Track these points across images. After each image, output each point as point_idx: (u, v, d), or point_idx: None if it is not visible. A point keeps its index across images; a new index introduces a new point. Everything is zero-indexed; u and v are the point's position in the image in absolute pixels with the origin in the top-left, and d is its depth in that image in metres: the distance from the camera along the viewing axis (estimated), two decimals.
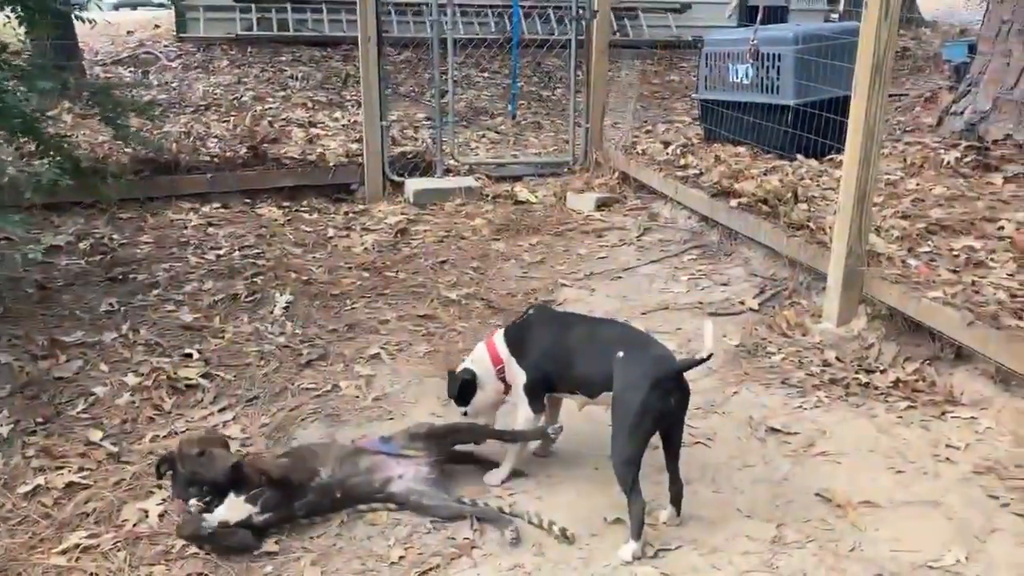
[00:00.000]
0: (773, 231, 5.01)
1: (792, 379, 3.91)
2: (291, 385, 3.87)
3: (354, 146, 7.18)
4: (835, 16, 13.99)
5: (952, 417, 3.55)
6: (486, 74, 10.99)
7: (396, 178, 6.86)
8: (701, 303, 4.79)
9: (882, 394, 3.75)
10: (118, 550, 2.78)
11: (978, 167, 5.86)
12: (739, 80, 6.73)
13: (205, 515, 2.77)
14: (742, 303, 4.74)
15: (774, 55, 6.37)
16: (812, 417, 3.60)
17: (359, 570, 2.71)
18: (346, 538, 2.86)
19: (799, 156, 6.17)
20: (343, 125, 8.17)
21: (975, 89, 6.49)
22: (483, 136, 8.48)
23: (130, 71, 10.33)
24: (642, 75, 11.22)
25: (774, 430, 3.50)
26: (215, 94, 9.31)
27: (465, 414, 3.21)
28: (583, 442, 3.37)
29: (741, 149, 6.61)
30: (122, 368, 3.94)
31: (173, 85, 9.72)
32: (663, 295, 4.96)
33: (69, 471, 3.17)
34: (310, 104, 9.06)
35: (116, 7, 15.38)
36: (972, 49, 7.36)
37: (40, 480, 3.11)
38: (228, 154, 6.84)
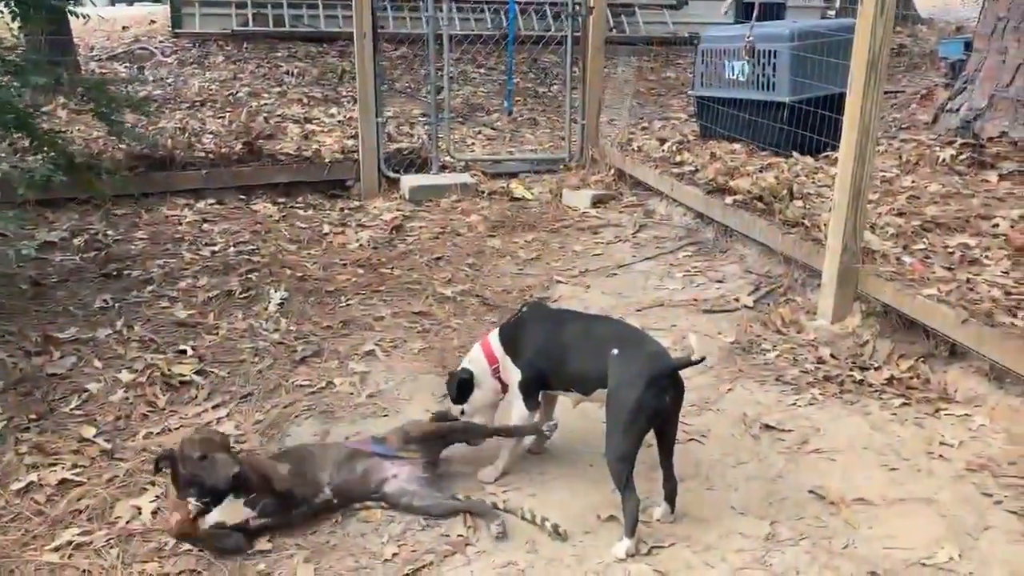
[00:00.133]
0: (768, 228, 5.01)
1: (786, 376, 3.91)
2: (285, 382, 3.86)
3: (350, 142, 7.17)
4: (832, 13, 14.00)
5: (946, 415, 3.55)
6: (482, 70, 10.99)
7: (392, 174, 6.85)
8: (696, 300, 4.79)
9: (876, 391, 3.75)
10: (111, 547, 2.77)
11: (973, 164, 5.86)
12: (735, 77, 6.72)
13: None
14: (737, 300, 4.74)
15: (770, 52, 6.37)
16: (806, 414, 3.61)
17: (352, 567, 2.70)
18: (339, 535, 2.86)
19: (795, 153, 6.16)
20: (339, 121, 8.16)
21: (971, 86, 6.49)
22: (479, 132, 8.47)
23: (125, 67, 10.31)
24: (638, 72, 11.22)
25: (768, 427, 3.50)
26: (210, 90, 9.29)
27: (463, 413, 3.21)
28: (577, 439, 3.37)
29: (737, 146, 6.61)
30: (116, 365, 3.93)
31: (168, 81, 9.70)
32: (658, 292, 4.96)
33: (62, 468, 3.16)
34: (306, 100, 9.05)
35: (112, 2, 15.34)
36: (968, 46, 7.35)
37: (33, 477, 3.10)
38: (223, 150, 6.82)
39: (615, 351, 2.82)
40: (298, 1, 11.84)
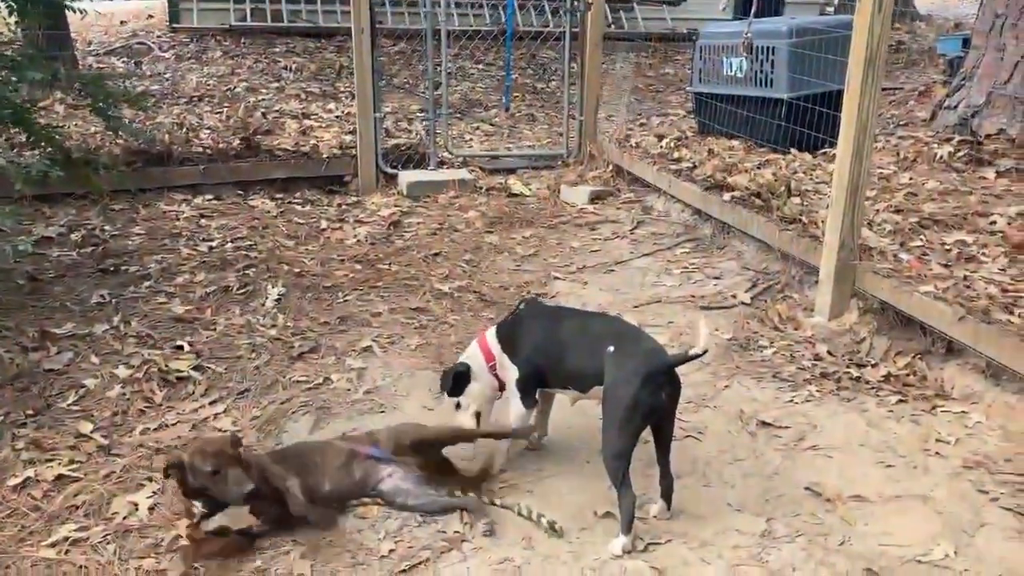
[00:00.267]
0: (766, 225, 5.01)
1: (783, 373, 3.91)
2: (282, 378, 3.86)
3: (347, 138, 7.16)
4: (830, 9, 13.98)
5: (942, 411, 3.56)
6: (480, 66, 10.97)
7: (389, 170, 6.84)
8: (693, 296, 4.79)
9: (873, 388, 3.76)
10: (108, 543, 2.77)
11: (971, 161, 5.87)
12: (733, 73, 6.72)
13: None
14: (734, 297, 4.75)
15: (768, 48, 6.37)
16: (803, 411, 3.61)
17: (349, 564, 2.70)
18: (336, 531, 2.85)
19: (792, 150, 6.16)
20: (336, 117, 8.15)
21: (969, 83, 6.49)
22: (477, 128, 8.47)
23: (123, 62, 10.28)
24: (636, 68, 11.21)
25: (765, 424, 3.50)
26: (208, 85, 9.28)
27: (458, 406, 3.20)
28: (574, 436, 3.38)
29: (735, 143, 6.61)
30: (113, 360, 3.93)
31: (166, 76, 9.68)
32: (656, 288, 4.96)
33: (59, 464, 3.16)
34: (304, 95, 9.04)
35: None
36: (966, 43, 7.35)
37: (30, 472, 3.10)
38: (221, 145, 6.81)
39: (611, 348, 2.82)
40: None
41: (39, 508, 2.94)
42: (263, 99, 8.74)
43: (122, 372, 3.81)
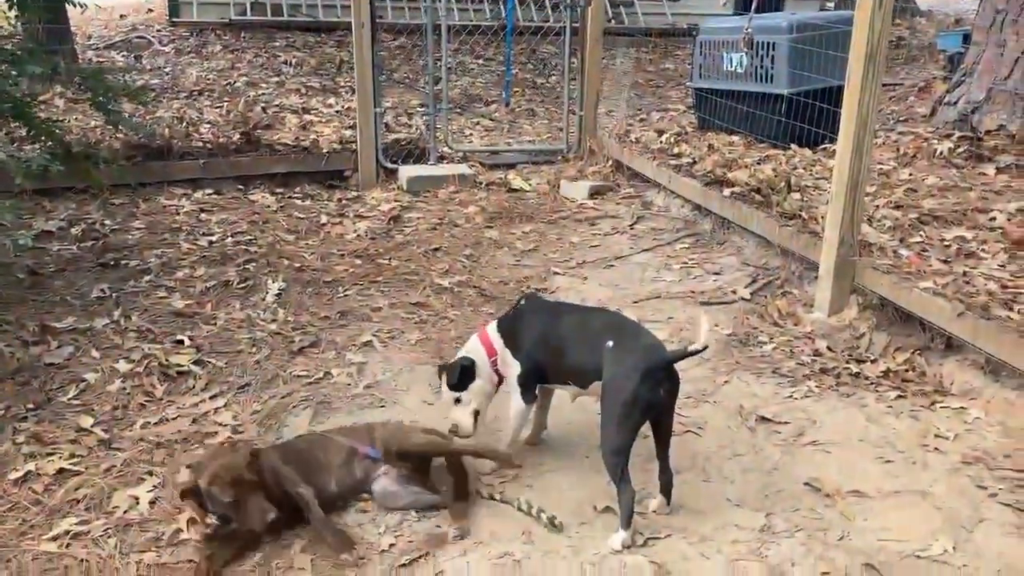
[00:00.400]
0: (766, 220, 5.02)
1: (783, 368, 3.92)
2: (283, 372, 3.87)
3: (347, 132, 7.16)
4: (831, 5, 13.97)
5: (941, 407, 3.57)
6: (480, 61, 10.97)
7: (389, 165, 6.84)
8: (693, 292, 4.80)
9: (872, 384, 3.76)
10: (109, 536, 2.78)
11: (971, 157, 5.87)
12: (733, 69, 6.71)
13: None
14: (734, 292, 4.75)
15: (768, 44, 6.36)
16: (802, 407, 3.62)
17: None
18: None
19: (793, 145, 6.16)
20: (337, 111, 8.15)
21: (969, 79, 6.48)
22: (477, 123, 8.47)
23: (123, 55, 10.27)
24: (637, 63, 11.21)
25: (764, 419, 3.51)
26: (208, 79, 9.26)
27: (458, 400, 3.18)
28: (574, 432, 3.38)
29: (735, 138, 6.61)
30: (113, 354, 3.93)
31: (166, 70, 9.67)
32: (655, 284, 4.96)
33: (60, 457, 3.16)
34: (304, 90, 9.03)
35: None
36: (966, 39, 7.34)
37: (31, 466, 3.10)
38: (221, 140, 6.81)
39: (610, 343, 2.82)
40: None
41: (40, 502, 2.94)
42: (263, 93, 8.74)
43: (122, 366, 3.81)
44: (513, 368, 3.12)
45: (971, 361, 3.74)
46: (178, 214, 5.93)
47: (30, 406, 3.49)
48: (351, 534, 2.78)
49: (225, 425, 3.42)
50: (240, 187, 6.52)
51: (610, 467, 2.72)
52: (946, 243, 4.41)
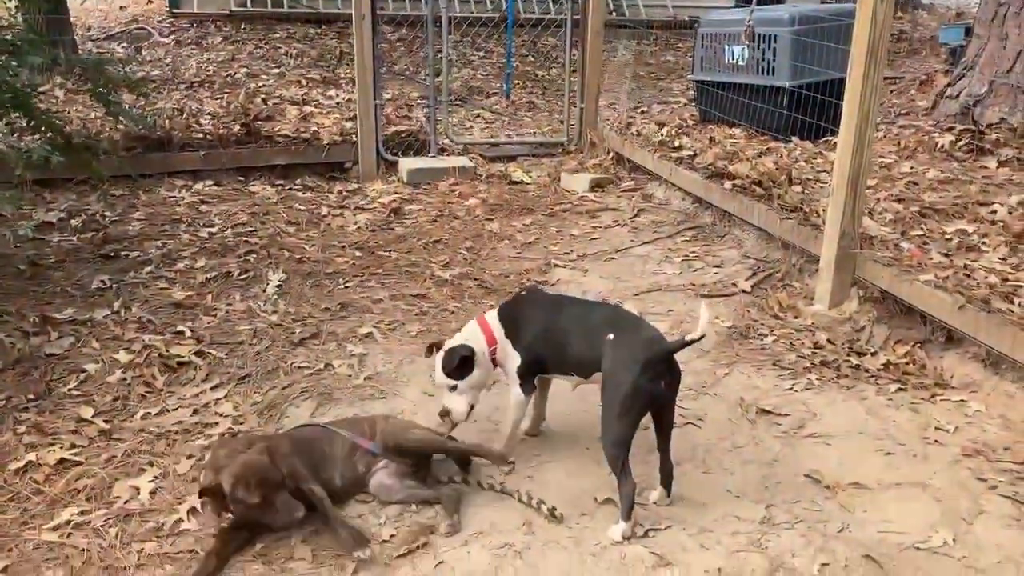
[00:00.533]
0: (767, 213, 5.01)
1: (783, 361, 3.92)
2: (283, 363, 3.87)
3: (348, 124, 7.14)
4: None
5: (942, 400, 3.57)
6: (481, 53, 10.94)
7: (390, 157, 6.83)
8: (694, 285, 4.80)
9: (872, 377, 3.76)
10: (110, 526, 2.78)
11: (972, 151, 5.87)
12: (735, 61, 6.70)
13: None
14: (735, 285, 4.75)
15: (770, 36, 6.35)
16: (803, 399, 3.62)
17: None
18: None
19: (794, 138, 6.16)
20: (337, 103, 8.12)
21: (971, 72, 6.48)
22: (478, 116, 8.45)
23: (123, 47, 10.25)
24: (638, 55, 11.18)
25: (765, 412, 3.51)
26: (208, 71, 9.25)
27: (453, 388, 3.13)
28: (573, 423, 3.39)
29: (736, 131, 6.60)
30: (113, 345, 3.93)
31: (166, 62, 9.65)
32: (656, 276, 4.96)
33: (60, 448, 3.17)
34: (304, 82, 9.01)
35: None
36: (968, 32, 7.34)
37: (31, 456, 3.10)
38: (221, 131, 6.79)
39: (611, 336, 2.82)
40: None
41: (41, 492, 2.95)
42: (264, 85, 8.72)
43: (123, 357, 3.81)
44: (513, 359, 3.11)
45: (972, 354, 3.74)
46: (178, 205, 5.92)
47: (31, 396, 3.49)
48: (362, 533, 2.74)
49: (226, 416, 3.42)
50: (240, 179, 6.51)
51: (611, 458, 2.73)
52: (947, 236, 4.41)
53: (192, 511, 2.85)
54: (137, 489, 2.96)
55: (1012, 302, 3.67)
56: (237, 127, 6.85)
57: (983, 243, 4.31)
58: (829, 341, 4.05)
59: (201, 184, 6.33)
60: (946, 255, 4.18)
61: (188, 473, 3.06)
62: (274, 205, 6.05)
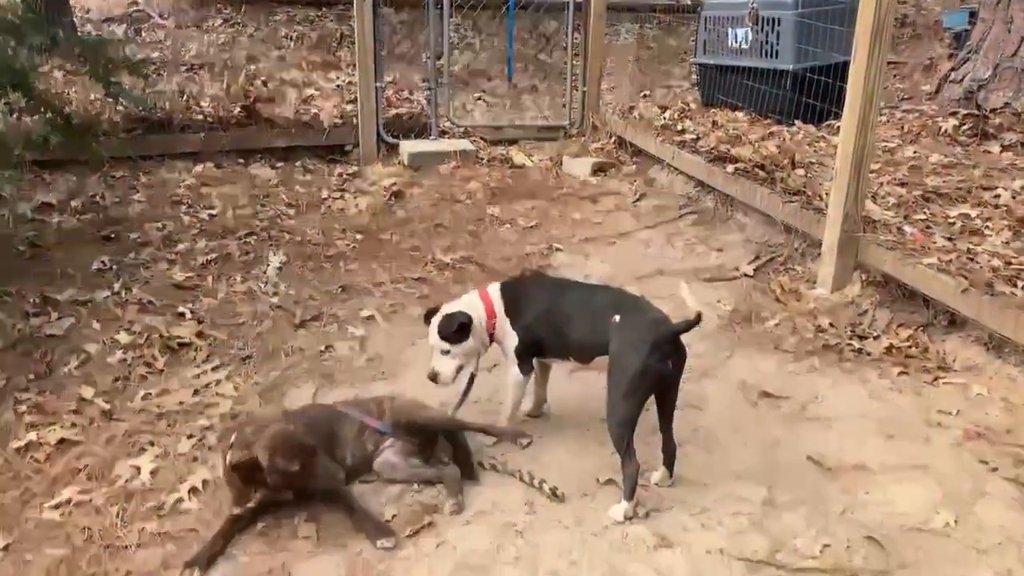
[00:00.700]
0: (769, 197, 4.99)
1: (785, 344, 3.91)
2: (284, 345, 3.86)
3: (349, 107, 7.11)
4: None
5: (944, 383, 3.56)
6: (483, 36, 10.87)
7: (391, 140, 6.80)
8: (696, 269, 4.78)
9: (875, 360, 3.76)
10: (111, 505, 2.78)
11: (976, 135, 5.84)
12: (738, 44, 6.67)
13: None
14: (737, 269, 4.74)
15: (774, 19, 6.31)
16: (805, 382, 3.61)
17: (353, 527, 2.71)
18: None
19: (797, 122, 6.13)
20: (337, 86, 8.08)
21: (975, 57, 6.45)
22: (479, 99, 8.41)
23: (123, 28, 10.18)
24: (640, 39, 11.12)
25: (767, 394, 3.51)
26: (209, 53, 9.19)
27: (446, 352, 3.09)
28: (574, 404, 3.38)
29: (739, 114, 6.57)
30: (114, 326, 3.92)
31: (166, 44, 9.60)
32: (658, 261, 4.94)
33: (61, 427, 3.17)
34: (305, 64, 8.96)
35: None
36: (973, 16, 7.29)
37: (32, 436, 3.10)
38: (221, 114, 6.75)
39: (617, 318, 2.81)
40: None
41: (41, 471, 2.95)
42: (264, 67, 8.67)
43: (123, 338, 3.80)
44: (510, 339, 3.09)
45: (974, 338, 3.74)
46: (179, 187, 5.89)
47: (31, 376, 3.49)
48: (389, 527, 2.72)
49: (227, 397, 3.42)
50: (240, 161, 6.48)
51: (616, 439, 2.72)
52: (950, 220, 4.40)
53: (193, 490, 2.85)
54: (138, 469, 2.96)
55: (1015, 286, 3.66)
56: (237, 109, 6.80)
57: (986, 227, 4.30)
58: (831, 325, 4.03)
59: (201, 166, 6.30)
60: (949, 239, 4.16)
61: (189, 453, 3.07)
62: (274, 187, 6.03)
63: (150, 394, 3.43)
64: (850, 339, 3.91)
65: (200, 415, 3.30)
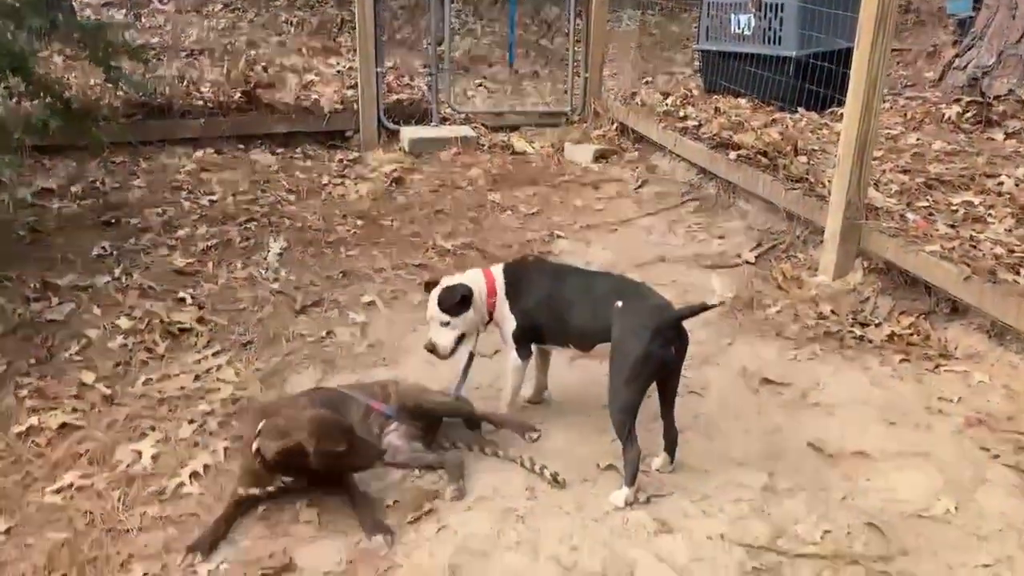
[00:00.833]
0: (772, 184, 4.97)
1: (787, 331, 3.91)
2: (285, 330, 3.85)
3: (349, 93, 7.08)
4: None
5: (946, 371, 3.56)
6: (484, 22, 10.85)
7: (391, 126, 6.78)
8: (698, 256, 4.77)
9: (876, 347, 3.75)
10: (112, 489, 2.78)
11: (979, 122, 5.82)
12: (741, 31, 6.64)
13: None
14: (739, 256, 4.73)
15: (777, 5, 6.28)
16: (806, 369, 3.61)
17: (354, 513, 2.71)
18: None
19: (800, 108, 6.11)
20: (338, 71, 8.06)
21: (979, 43, 6.42)
22: (480, 85, 8.39)
23: (122, 13, 10.15)
24: (642, 25, 11.08)
25: (768, 381, 3.50)
26: (209, 38, 9.16)
27: (446, 324, 3.07)
28: (575, 390, 3.38)
29: (741, 101, 6.55)
30: (115, 312, 3.91)
31: (166, 28, 9.57)
32: (660, 248, 4.93)
33: (63, 412, 3.16)
34: (305, 50, 8.93)
35: None
36: (977, 3, 7.26)
37: (33, 420, 3.10)
38: (222, 99, 6.73)
39: (619, 303, 2.80)
40: None
41: (43, 455, 2.95)
42: (264, 53, 8.64)
43: (124, 323, 3.80)
44: (509, 322, 3.08)
45: (976, 325, 3.73)
46: (179, 173, 5.87)
47: (32, 361, 3.48)
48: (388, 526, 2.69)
49: (228, 382, 3.42)
50: (241, 146, 6.46)
51: (618, 425, 2.72)
52: (953, 208, 4.39)
53: (195, 475, 2.85)
54: (139, 453, 2.96)
55: (1018, 273, 3.66)
56: (238, 95, 6.78)
57: (989, 215, 4.29)
58: (833, 312, 4.03)
59: (201, 152, 6.28)
60: (952, 226, 4.16)
61: (190, 438, 3.06)
62: (275, 173, 6.01)
63: (151, 379, 3.43)
64: (852, 326, 3.91)
65: (201, 400, 3.30)
